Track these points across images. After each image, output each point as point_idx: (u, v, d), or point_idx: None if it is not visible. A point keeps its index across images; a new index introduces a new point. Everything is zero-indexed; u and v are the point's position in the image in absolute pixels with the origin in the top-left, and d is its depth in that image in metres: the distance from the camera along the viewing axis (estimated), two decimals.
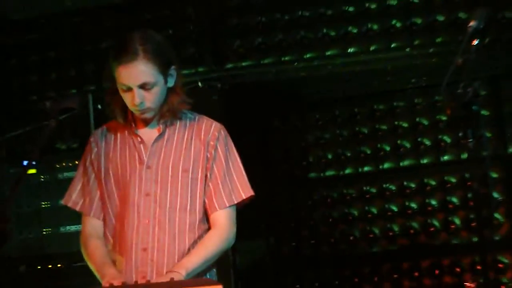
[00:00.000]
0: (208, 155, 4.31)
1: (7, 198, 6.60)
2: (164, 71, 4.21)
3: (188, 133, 4.36)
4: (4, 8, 7.00)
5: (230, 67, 7.11)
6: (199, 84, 6.99)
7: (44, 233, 6.65)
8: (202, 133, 4.36)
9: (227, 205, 4.31)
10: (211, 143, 4.34)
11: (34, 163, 6.47)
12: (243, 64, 7.09)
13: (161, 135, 4.31)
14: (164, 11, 7.15)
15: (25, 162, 6.16)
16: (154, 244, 4.19)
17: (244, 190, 4.36)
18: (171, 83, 4.29)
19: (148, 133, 4.33)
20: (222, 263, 6.55)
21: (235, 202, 4.34)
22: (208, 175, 4.30)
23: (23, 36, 7.26)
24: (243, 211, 6.78)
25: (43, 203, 6.66)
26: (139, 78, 4.11)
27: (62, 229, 6.45)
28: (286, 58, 7.08)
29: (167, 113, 4.29)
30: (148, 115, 4.25)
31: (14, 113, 7.18)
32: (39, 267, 6.65)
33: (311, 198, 8.07)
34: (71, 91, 6.96)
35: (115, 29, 6.42)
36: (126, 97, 4.16)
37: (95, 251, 4.34)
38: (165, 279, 3.85)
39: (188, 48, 7.13)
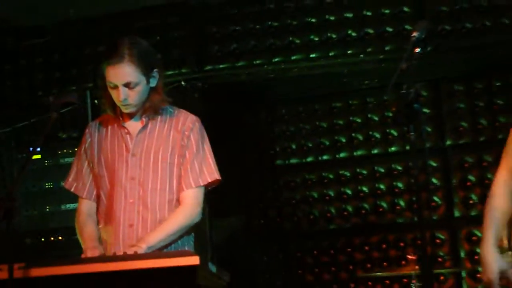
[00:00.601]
0: (183, 143, 4.28)
1: (15, 179, 6.67)
2: (146, 73, 4.19)
3: (168, 125, 4.33)
4: (16, 16, 7.00)
5: (209, 69, 7.08)
6: (183, 83, 6.98)
7: (47, 210, 6.62)
8: (180, 125, 4.32)
9: (193, 186, 4.25)
10: (186, 133, 4.30)
11: (38, 149, 6.54)
12: (220, 66, 7.06)
13: (144, 127, 4.29)
14: (153, 20, 7.14)
15: (31, 149, 6.25)
16: (139, 221, 4.18)
17: (210, 175, 4.30)
18: (153, 83, 4.27)
19: (133, 126, 4.31)
20: (200, 238, 6.59)
21: (201, 184, 4.27)
22: (181, 160, 4.28)
23: (31, 40, 7.23)
24: (220, 193, 6.84)
25: (47, 184, 6.63)
26: (124, 78, 4.11)
27: (63, 206, 6.45)
28: (257, 62, 7.05)
29: (149, 109, 4.27)
30: (131, 110, 4.24)
31: (22, 107, 7.16)
32: (42, 239, 6.63)
33: (277, 183, 8.16)
34: (71, 88, 6.95)
35: (111, 35, 6.43)
36: (113, 94, 4.16)
37: (83, 228, 4.34)
38: (131, 250, 3.78)
39: (173, 53, 7.10)
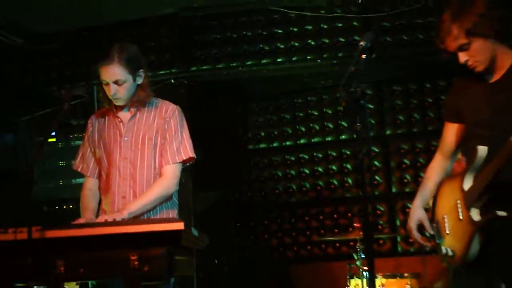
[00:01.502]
0: (164, 127, 4.27)
1: (33, 158, 6.66)
2: (133, 72, 4.18)
3: (153, 113, 4.31)
4: (35, 24, 6.97)
5: (194, 70, 7.05)
6: (172, 81, 6.98)
7: (61, 183, 6.60)
8: (163, 112, 4.30)
9: (171, 162, 4.23)
10: (167, 119, 4.28)
11: (53, 134, 6.52)
12: (203, 68, 7.04)
13: (133, 116, 4.29)
14: (148, 29, 7.11)
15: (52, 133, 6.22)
16: (130, 193, 4.20)
17: (185, 153, 4.28)
18: (139, 81, 4.24)
19: (125, 115, 4.31)
20: (185, 208, 6.60)
21: (178, 161, 4.25)
22: (163, 141, 4.27)
23: (47, 44, 7.21)
24: (202, 171, 6.85)
25: (60, 162, 6.60)
26: (113, 76, 4.11)
27: (73, 181, 6.43)
28: (234, 65, 7.03)
29: (136, 102, 4.26)
30: (121, 103, 4.25)
31: (39, 99, 7.14)
32: (56, 207, 6.62)
33: (248, 163, 8.19)
34: (80, 84, 6.91)
35: (113, 41, 6.42)
36: (106, 89, 4.18)
37: (83, 200, 4.38)
38: (111, 218, 3.82)
39: (165, 56, 7.08)
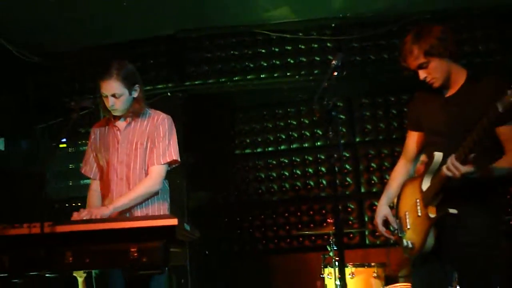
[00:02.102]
0: (155, 133, 4.26)
1: (47, 161, 6.63)
2: (129, 87, 4.19)
3: (146, 122, 4.31)
4: (50, 43, 6.94)
5: (188, 84, 7.02)
6: (169, 94, 6.97)
7: (70, 184, 6.57)
8: (155, 120, 4.31)
9: (156, 163, 4.22)
10: (157, 126, 4.28)
11: (64, 140, 6.49)
12: (196, 82, 7.02)
13: (128, 124, 4.30)
14: (148, 48, 7.09)
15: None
16: (127, 192, 4.20)
17: (169, 156, 4.25)
18: (134, 95, 4.24)
19: (121, 124, 4.32)
20: (179, 205, 6.62)
21: (162, 162, 4.23)
22: (152, 145, 4.26)
23: (60, 61, 7.18)
24: (194, 173, 6.82)
25: (70, 165, 6.58)
26: (111, 90, 4.13)
27: (81, 181, 6.38)
28: (222, 80, 7.02)
29: (132, 113, 4.27)
30: (118, 114, 4.25)
31: (53, 110, 7.11)
32: (66, 205, 6.60)
33: (235, 166, 8.15)
34: (88, 97, 6.89)
35: (117, 58, 6.40)
36: (105, 101, 4.19)
37: (88, 199, 4.43)
38: (96, 212, 3.92)
39: (162, 72, 7.05)
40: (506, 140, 3.57)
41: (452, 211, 3.51)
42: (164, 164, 4.27)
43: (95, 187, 4.46)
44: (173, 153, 4.31)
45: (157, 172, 4.24)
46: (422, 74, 3.73)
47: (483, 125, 3.27)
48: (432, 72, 3.70)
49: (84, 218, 3.85)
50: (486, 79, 3.65)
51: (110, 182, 4.28)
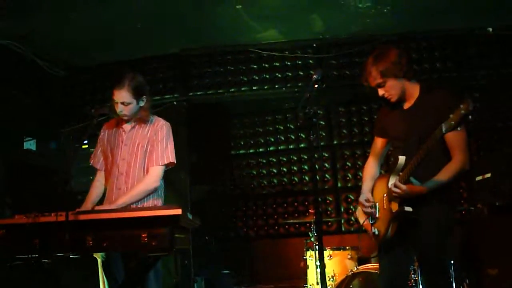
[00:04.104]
0: (154, 137, 4.23)
1: (72, 159, 6.62)
2: (137, 98, 4.16)
3: (148, 127, 4.26)
4: (71, 59, 6.94)
5: (191, 95, 7.01)
6: (175, 103, 6.96)
7: (91, 178, 6.50)
8: (155, 126, 4.26)
9: (154, 164, 4.18)
10: (157, 131, 4.24)
11: (86, 141, 6.47)
12: (198, 93, 7.00)
13: (132, 128, 4.28)
14: (156, 64, 7.09)
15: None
16: (126, 187, 4.19)
17: (167, 158, 4.20)
18: (141, 104, 4.21)
19: (127, 127, 4.29)
20: (183, 197, 6.60)
21: (160, 164, 4.19)
22: (151, 148, 4.22)
23: (83, 74, 7.19)
24: (197, 170, 6.81)
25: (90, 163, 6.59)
26: (122, 98, 4.11)
27: None
28: (221, 91, 6.99)
29: (138, 119, 4.25)
30: (125, 118, 4.24)
31: (76, 116, 7.09)
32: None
33: (231, 165, 8.15)
34: (107, 104, 6.89)
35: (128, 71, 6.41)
36: (115, 106, 4.16)
37: (90, 189, 4.43)
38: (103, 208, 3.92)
39: (169, 84, 7.04)
40: (452, 147, 3.62)
41: (408, 209, 3.56)
42: (162, 165, 4.23)
43: (99, 178, 4.45)
44: (170, 156, 4.26)
45: (156, 172, 4.20)
46: (380, 91, 3.79)
47: (428, 145, 3.37)
48: (388, 90, 3.75)
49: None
50: (437, 91, 3.71)
51: (112, 175, 4.26)
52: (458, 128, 3.24)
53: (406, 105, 3.81)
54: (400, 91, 3.75)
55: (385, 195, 3.78)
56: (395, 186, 3.57)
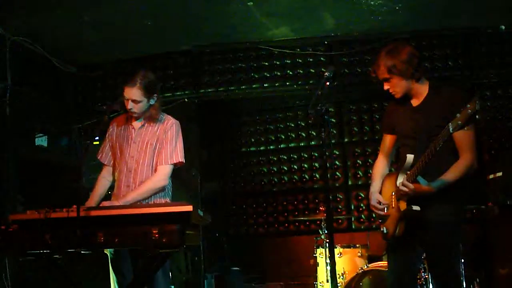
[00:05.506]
0: (163, 136, 4.23)
1: (83, 156, 6.65)
2: (148, 96, 4.16)
3: (158, 125, 4.26)
4: (84, 56, 6.98)
5: (202, 92, 7.02)
6: (186, 100, 6.97)
7: None
8: (165, 124, 4.26)
9: (163, 163, 4.19)
10: (166, 129, 4.24)
11: (97, 138, 6.51)
12: (209, 90, 7.01)
13: (142, 126, 4.28)
14: (169, 61, 7.11)
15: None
16: (133, 183, 4.19)
17: (176, 158, 4.21)
18: (152, 102, 4.22)
19: (137, 124, 4.29)
20: (193, 194, 6.63)
21: (169, 163, 4.20)
22: (160, 146, 4.22)
23: (94, 71, 7.22)
24: (207, 167, 6.83)
25: None
26: (132, 96, 4.12)
27: None
28: (231, 88, 6.99)
29: (147, 117, 4.25)
30: (135, 116, 4.24)
31: (87, 112, 7.12)
32: None
33: (241, 162, 8.15)
34: (117, 101, 6.93)
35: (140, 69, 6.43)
36: (126, 103, 4.17)
37: (95, 185, 4.42)
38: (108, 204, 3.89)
39: (181, 81, 7.05)
40: (460, 147, 3.61)
41: (415, 208, 3.56)
42: (171, 164, 4.24)
43: (105, 173, 4.45)
44: (179, 156, 4.27)
45: (164, 170, 4.21)
46: (385, 85, 3.79)
47: (436, 145, 3.37)
48: (393, 86, 3.75)
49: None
50: (445, 90, 3.70)
51: (120, 172, 4.26)
52: (466, 128, 3.24)
53: (415, 102, 3.79)
54: (405, 90, 3.74)
55: (393, 193, 3.77)
56: (403, 185, 3.57)
